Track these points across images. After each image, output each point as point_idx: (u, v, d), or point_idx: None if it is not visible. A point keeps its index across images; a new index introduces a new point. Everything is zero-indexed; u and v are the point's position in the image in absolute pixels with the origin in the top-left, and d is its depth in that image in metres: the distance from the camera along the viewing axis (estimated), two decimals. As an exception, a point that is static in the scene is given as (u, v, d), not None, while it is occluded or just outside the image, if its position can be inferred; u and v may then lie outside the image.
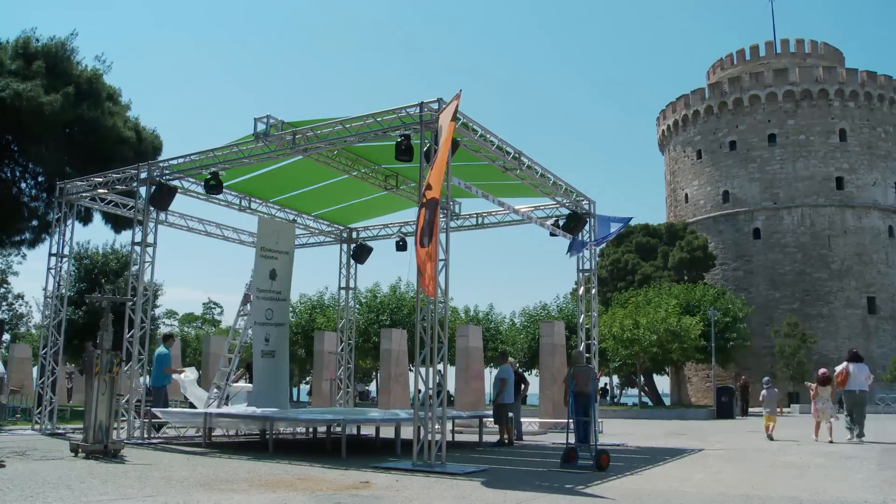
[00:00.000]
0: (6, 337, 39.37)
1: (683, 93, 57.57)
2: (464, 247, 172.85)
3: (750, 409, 31.65)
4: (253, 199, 15.26)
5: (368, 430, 14.38)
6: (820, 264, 49.91)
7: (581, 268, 14.98)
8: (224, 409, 12.93)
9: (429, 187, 8.88)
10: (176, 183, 13.15)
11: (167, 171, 13.06)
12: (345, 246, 17.96)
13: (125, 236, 26.81)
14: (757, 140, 52.65)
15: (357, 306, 35.11)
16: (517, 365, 29.26)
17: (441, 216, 9.27)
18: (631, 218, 15.63)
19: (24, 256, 29.03)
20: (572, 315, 34.53)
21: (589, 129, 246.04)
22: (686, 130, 57.16)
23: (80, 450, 9.51)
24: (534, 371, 41.60)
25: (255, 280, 13.86)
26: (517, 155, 11.94)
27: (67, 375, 29.84)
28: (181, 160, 12.88)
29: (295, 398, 44.17)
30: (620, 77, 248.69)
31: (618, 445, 13.51)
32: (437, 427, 9.05)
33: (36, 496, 6.19)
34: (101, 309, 10.28)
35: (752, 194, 52.34)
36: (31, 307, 43.61)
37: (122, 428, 11.81)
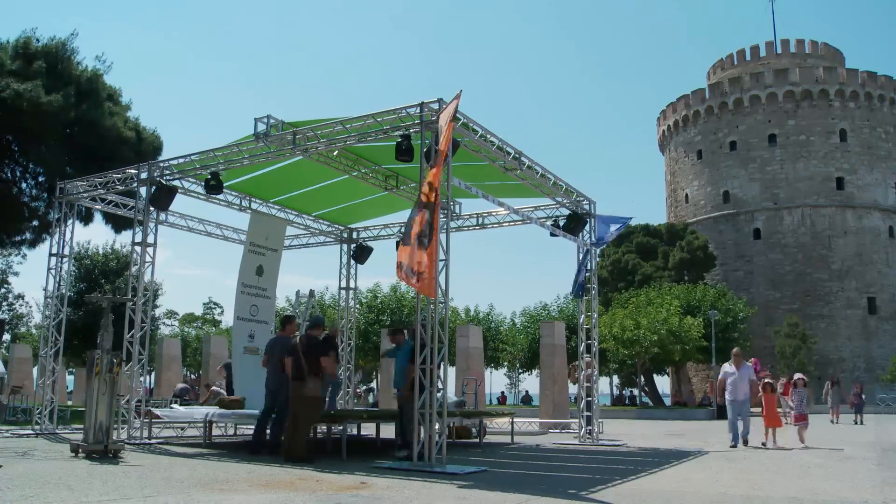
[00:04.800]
0: (6, 337, 39.35)
1: (684, 93, 57.66)
2: (464, 247, 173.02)
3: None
4: (253, 199, 15.25)
5: (369, 431, 14.39)
6: (820, 265, 49.92)
7: (581, 268, 14.96)
8: (224, 410, 12.91)
9: (432, 188, 8.87)
10: (176, 183, 13.14)
11: (167, 172, 13.06)
12: (345, 246, 17.96)
13: (125, 236, 26.82)
14: (757, 140, 52.67)
15: (357, 306, 35.11)
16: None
17: (441, 216, 9.27)
18: (631, 218, 15.62)
19: (24, 256, 29.03)
20: (573, 315, 34.51)
21: (589, 129, 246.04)
22: (686, 131, 57.17)
23: (80, 450, 9.51)
24: (534, 371, 41.65)
25: (242, 275, 13.88)
26: (517, 155, 11.94)
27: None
28: (181, 160, 12.87)
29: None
30: (620, 77, 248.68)
31: (617, 445, 13.51)
32: (436, 427, 9.05)
33: (36, 496, 6.19)
34: (101, 309, 10.27)
35: (752, 195, 52.36)
36: (31, 307, 43.61)
37: (122, 428, 11.82)
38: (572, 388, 19.95)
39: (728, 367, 13.38)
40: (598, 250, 14.76)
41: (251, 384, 13.08)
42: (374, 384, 44.22)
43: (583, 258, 14.49)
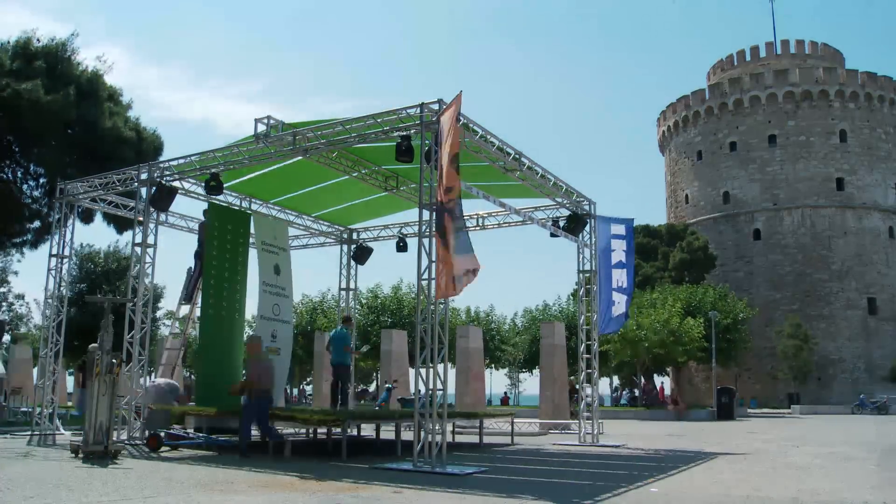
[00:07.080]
0: (7, 338, 39.27)
1: (684, 94, 57.63)
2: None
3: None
4: (253, 199, 15.25)
5: (368, 431, 14.40)
6: (820, 265, 49.89)
7: (581, 268, 14.97)
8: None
9: (449, 190, 8.96)
10: (176, 184, 13.14)
11: (167, 172, 13.05)
12: (345, 247, 17.96)
13: (127, 236, 26.76)
14: (757, 141, 52.65)
15: (358, 307, 35.09)
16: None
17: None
18: (633, 220, 15.64)
19: (23, 254, 28.96)
20: (573, 316, 34.50)
21: (589, 129, 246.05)
22: (686, 131, 57.16)
23: (80, 451, 9.51)
24: (534, 371, 41.61)
25: (262, 274, 13.98)
26: (517, 156, 11.95)
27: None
28: (181, 161, 12.87)
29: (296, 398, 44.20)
30: (620, 77, 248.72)
31: (617, 447, 13.50)
32: (437, 428, 9.04)
33: (36, 497, 6.19)
34: (102, 310, 10.27)
35: (752, 195, 52.34)
36: (30, 307, 43.47)
37: (122, 429, 11.81)
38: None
39: None
40: (593, 251, 14.74)
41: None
42: (373, 386, 44.21)
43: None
